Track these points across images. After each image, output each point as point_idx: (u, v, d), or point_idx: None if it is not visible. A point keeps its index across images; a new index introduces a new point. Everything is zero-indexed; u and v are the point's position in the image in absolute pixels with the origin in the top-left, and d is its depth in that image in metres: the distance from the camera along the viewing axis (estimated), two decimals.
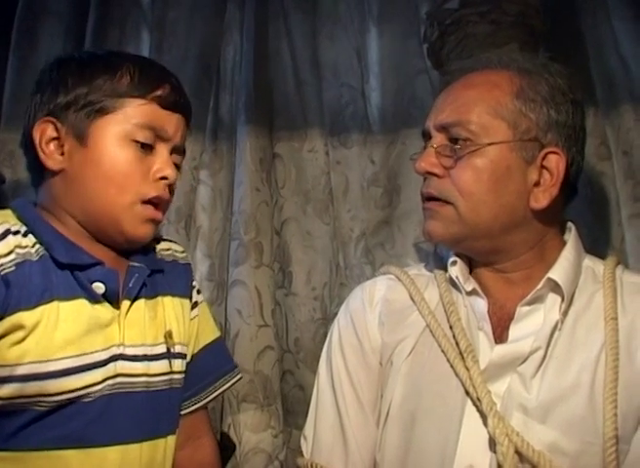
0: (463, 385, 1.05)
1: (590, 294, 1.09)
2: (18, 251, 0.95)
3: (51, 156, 0.99)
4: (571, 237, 1.13)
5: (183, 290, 1.15)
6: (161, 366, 1.06)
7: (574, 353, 1.05)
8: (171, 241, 1.22)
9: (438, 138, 1.10)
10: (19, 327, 0.93)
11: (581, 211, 1.55)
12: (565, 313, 1.07)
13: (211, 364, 1.18)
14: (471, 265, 1.15)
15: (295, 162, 1.67)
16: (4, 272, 0.93)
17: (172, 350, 1.08)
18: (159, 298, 1.09)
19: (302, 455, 1.17)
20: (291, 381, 1.60)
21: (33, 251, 0.97)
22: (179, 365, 1.09)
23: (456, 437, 1.04)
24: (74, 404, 0.95)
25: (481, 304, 1.11)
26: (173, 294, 1.12)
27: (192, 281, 1.19)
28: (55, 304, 0.95)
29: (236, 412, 1.45)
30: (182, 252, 1.21)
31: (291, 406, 1.59)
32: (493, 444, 1.01)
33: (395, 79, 1.69)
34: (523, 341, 1.05)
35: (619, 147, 1.58)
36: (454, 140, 1.08)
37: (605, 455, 0.99)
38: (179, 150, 1.07)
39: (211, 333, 1.21)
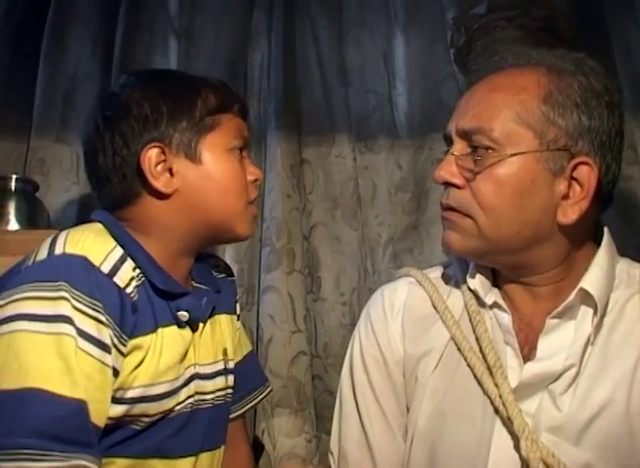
0: (492, 403, 0.99)
1: (625, 301, 1.02)
2: (133, 274, 0.97)
3: (161, 180, 1.00)
4: (604, 241, 1.04)
5: (232, 306, 1.20)
6: (221, 381, 1.10)
7: (607, 367, 0.98)
8: (218, 257, 1.26)
9: (459, 146, 1.02)
10: (139, 348, 0.96)
11: (609, 214, 1.54)
12: (598, 326, 0.99)
13: (247, 375, 1.22)
14: (495, 275, 1.08)
15: (323, 167, 1.68)
16: (134, 299, 0.96)
17: (227, 366, 1.12)
18: (216, 317, 1.13)
19: None
20: (320, 386, 1.61)
21: (137, 275, 0.99)
22: (232, 379, 1.14)
23: (485, 459, 0.98)
24: (161, 420, 0.99)
25: (505, 318, 1.03)
26: (226, 312, 1.16)
27: (237, 295, 1.23)
28: (160, 331, 0.99)
29: (270, 417, 1.46)
30: (229, 268, 1.25)
31: (320, 411, 1.60)
32: (525, 466, 0.95)
33: (422, 84, 1.70)
34: (555, 359, 0.99)
35: None
36: (475, 148, 1.00)
37: None
38: (248, 152, 1.14)
39: (247, 346, 1.25)
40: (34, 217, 1.47)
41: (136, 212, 1.03)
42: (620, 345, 0.99)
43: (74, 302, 0.88)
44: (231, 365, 1.14)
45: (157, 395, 0.97)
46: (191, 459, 1.03)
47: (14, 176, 1.47)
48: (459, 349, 1.04)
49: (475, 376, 1.01)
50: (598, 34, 1.63)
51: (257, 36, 1.72)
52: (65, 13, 1.70)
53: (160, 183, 1.00)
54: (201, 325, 1.07)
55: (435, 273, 1.15)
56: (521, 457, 0.95)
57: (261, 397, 1.25)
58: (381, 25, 1.73)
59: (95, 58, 1.71)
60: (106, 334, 0.90)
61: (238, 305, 1.23)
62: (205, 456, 1.06)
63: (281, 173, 1.59)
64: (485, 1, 1.56)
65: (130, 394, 0.95)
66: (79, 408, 0.86)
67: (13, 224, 1.43)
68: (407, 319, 1.10)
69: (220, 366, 1.11)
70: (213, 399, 1.08)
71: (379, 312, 1.13)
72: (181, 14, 1.74)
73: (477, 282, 1.06)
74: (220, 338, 1.12)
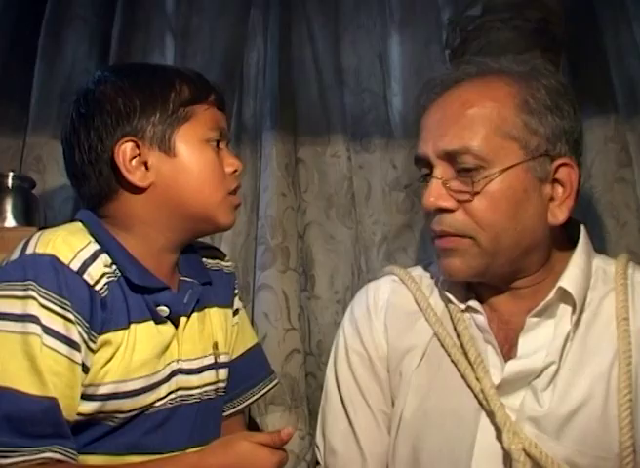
0: (476, 397, 1.01)
1: (601, 298, 1.04)
2: (105, 271, 0.97)
3: (137, 174, 1.00)
4: (581, 240, 1.06)
5: (227, 299, 1.18)
6: (210, 376, 1.09)
7: (586, 363, 1.00)
8: (216, 249, 1.25)
9: (442, 168, 1.00)
10: (108, 344, 0.96)
11: (602, 217, 1.57)
12: (577, 323, 1.01)
13: (249, 370, 1.20)
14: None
15: (318, 166, 1.68)
16: (103, 295, 0.96)
17: (218, 360, 1.11)
18: (206, 310, 1.12)
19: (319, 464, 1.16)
20: (313, 384, 1.62)
21: (112, 271, 0.99)
22: (223, 374, 1.12)
23: (470, 452, 1.00)
24: (138, 416, 0.99)
25: (480, 319, 1.05)
26: (218, 305, 1.15)
27: (235, 289, 1.21)
28: (132, 327, 0.99)
29: (264, 414, 1.47)
30: (228, 260, 1.24)
31: (313, 408, 1.60)
32: (509, 459, 0.97)
33: (417, 84, 1.69)
34: (535, 356, 1.01)
35: (639, 153, 1.60)
36: (462, 169, 0.98)
37: (622, 465, 0.95)
38: (228, 143, 1.13)
39: (250, 340, 1.23)
40: (31, 214, 1.48)
41: (115, 208, 1.03)
42: (598, 342, 1.01)
43: (42, 301, 0.89)
44: (223, 358, 1.12)
45: (130, 391, 0.97)
46: (174, 455, 1.01)
47: (10, 173, 1.48)
48: (442, 346, 1.06)
49: (459, 371, 1.03)
50: (592, 37, 1.64)
51: (253, 35, 1.72)
52: (62, 10, 1.70)
53: (135, 178, 1.00)
54: (184, 319, 1.06)
55: (418, 271, 1.17)
56: (504, 450, 0.97)
57: (267, 389, 1.24)
58: (377, 25, 1.73)
59: (91, 56, 1.71)
60: (74, 332, 0.91)
61: (237, 299, 1.22)
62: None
63: (276, 171, 1.60)
64: (480, 2, 1.57)
65: (101, 390, 0.95)
66: (50, 405, 0.88)
67: (9, 221, 1.44)
68: (390, 316, 1.12)
69: (210, 360, 1.09)
70: (200, 394, 1.07)
71: (362, 309, 1.15)
72: (178, 12, 1.74)
73: (449, 290, 1.07)
74: (210, 332, 1.11)
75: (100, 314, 0.95)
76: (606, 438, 0.96)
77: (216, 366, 1.10)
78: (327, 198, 1.68)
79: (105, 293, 0.96)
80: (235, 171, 1.08)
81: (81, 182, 1.03)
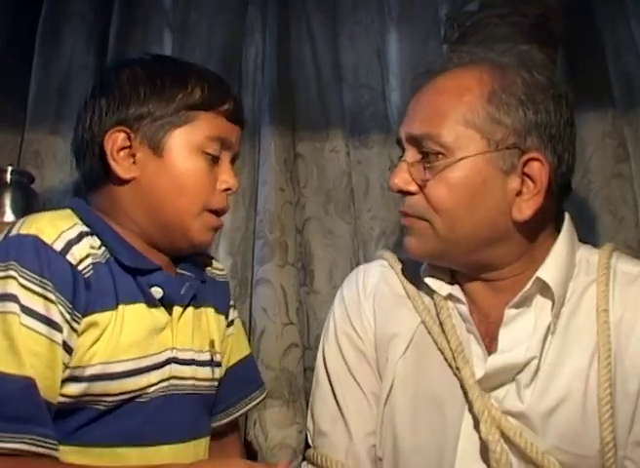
0: (462, 387, 1.02)
1: (583, 288, 1.03)
2: (91, 252, 0.96)
3: (123, 165, 1.00)
4: (563, 229, 1.05)
5: (222, 306, 1.17)
6: (206, 372, 1.08)
7: (566, 357, 1.00)
8: (211, 257, 1.23)
9: (410, 152, 1.03)
10: (94, 325, 0.94)
11: (599, 212, 1.58)
12: (557, 315, 1.01)
13: (241, 380, 1.19)
14: (453, 270, 1.09)
15: (316, 162, 1.68)
16: (86, 275, 0.94)
17: (214, 358, 1.10)
18: (202, 309, 1.11)
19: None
20: (311, 378, 1.59)
21: (100, 252, 0.98)
22: (218, 373, 1.12)
23: (455, 441, 1.01)
24: (130, 403, 0.97)
25: (462, 308, 1.06)
26: (214, 309, 1.14)
27: (230, 300, 1.20)
28: (121, 308, 0.97)
29: (262, 409, 1.47)
30: (222, 270, 1.23)
31: None
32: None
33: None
34: (516, 350, 1.00)
35: (637, 148, 1.61)
36: (426, 154, 1.01)
37: (604, 460, 0.96)
38: (234, 159, 1.10)
39: (243, 350, 1.22)
40: (30, 209, 1.46)
41: (102, 194, 1.03)
42: (578, 335, 1.01)
43: (21, 280, 0.89)
44: (218, 358, 1.12)
45: (118, 373, 0.95)
46: (172, 448, 1.00)
47: (9, 168, 1.47)
48: (429, 333, 1.07)
49: (446, 359, 1.04)
50: (589, 33, 1.64)
51: (251, 31, 1.72)
52: (60, 6, 1.70)
53: (119, 168, 0.99)
54: (179, 309, 1.04)
55: (409, 258, 1.15)
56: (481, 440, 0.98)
57: (258, 401, 1.23)
58: (375, 22, 1.74)
59: (89, 53, 1.71)
60: (55, 312, 0.90)
61: (232, 310, 1.20)
62: (189, 446, 1.03)
63: (275, 166, 1.60)
64: None
65: (88, 372, 0.93)
66: (27, 384, 0.86)
67: (8, 216, 1.43)
68: (378, 300, 1.13)
69: (207, 357, 1.08)
70: (194, 386, 1.05)
71: (352, 291, 1.17)
72: (176, 8, 1.74)
73: (430, 277, 1.08)
74: (207, 330, 1.10)
75: (85, 294, 0.93)
76: (587, 434, 0.97)
77: (212, 363, 1.09)
78: (325, 193, 1.68)
79: (89, 274, 0.95)
80: (227, 189, 1.06)
81: (78, 160, 1.04)
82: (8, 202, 1.44)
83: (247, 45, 1.72)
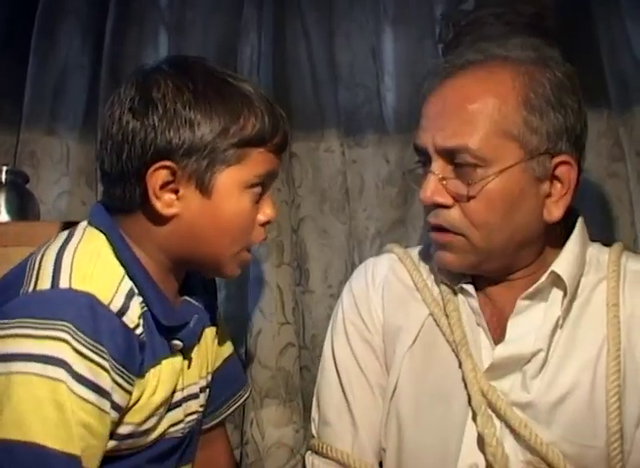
0: (463, 379, 1.02)
1: (594, 285, 1.05)
2: (142, 310, 0.92)
3: (164, 201, 0.92)
4: (577, 227, 1.06)
5: (213, 315, 1.12)
6: (203, 397, 1.07)
7: (574, 351, 1.01)
8: None
9: (439, 163, 0.99)
10: (140, 385, 0.92)
11: (594, 211, 1.58)
12: (567, 309, 1.02)
13: (227, 380, 1.18)
14: None
15: (311, 161, 1.68)
16: (142, 337, 0.91)
17: (208, 380, 1.09)
18: (203, 333, 1.08)
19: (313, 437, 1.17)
20: (307, 377, 1.62)
21: (144, 310, 0.93)
22: (206, 393, 1.10)
23: (460, 434, 1.01)
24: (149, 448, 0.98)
25: (473, 302, 1.06)
26: (209, 324, 1.10)
27: (217, 302, 1.18)
28: (162, 363, 0.95)
29: (259, 408, 1.48)
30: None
31: (308, 401, 1.61)
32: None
33: (410, 79, 1.71)
34: (524, 341, 1.01)
35: (632, 148, 1.60)
36: (459, 165, 0.98)
37: (609, 450, 0.96)
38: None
39: (228, 348, 1.20)
40: (25, 209, 1.48)
41: (135, 220, 0.96)
42: (587, 329, 1.02)
43: (76, 344, 0.82)
44: (210, 377, 1.10)
45: (147, 429, 0.94)
46: None
47: (4, 168, 1.48)
48: (438, 326, 1.07)
49: (454, 351, 1.04)
50: (585, 32, 1.64)
51: (246, 31, 1.71)
52: (55, 4, 1.70)
53: (160, 204, 0.92)
54: (191, 349, 1.02)
55: (417, 251, 1.18)
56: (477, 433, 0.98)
57: (241, 402, 1.22)
58: (371, 21, 1.73)
59: (85, 51, 1.71)
60: (106, 379, 0.85)
61: (218, 312, 1.18)
62: None
63: None
64: None
65: (121, 430, 0.90)
66: (72, 463, 0.81)
67: (3, 216, 1.44)
68: (387, 292, 1.13)
69: (204, 382, 1.07)
70: (197, 415, 1.04)
71: (361, 283, 1.16)
72: (172, 6, 1.74)
73: (445, 271, 1.07)
74: (205, 353, 1.09)
75: (139, 356, 0.90)
76: (594, 426, 0.97)
77: (206, 387, 1.08)
78: (321, 193, 1.67)
79: (144, 335, 0.91)
80: (267, 222, 1.01)
81: (109, 179, 0.96)
82: (3, 202, 1.45)
83: (242, 44, 1.71)
